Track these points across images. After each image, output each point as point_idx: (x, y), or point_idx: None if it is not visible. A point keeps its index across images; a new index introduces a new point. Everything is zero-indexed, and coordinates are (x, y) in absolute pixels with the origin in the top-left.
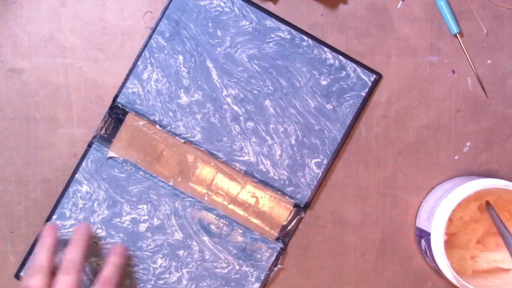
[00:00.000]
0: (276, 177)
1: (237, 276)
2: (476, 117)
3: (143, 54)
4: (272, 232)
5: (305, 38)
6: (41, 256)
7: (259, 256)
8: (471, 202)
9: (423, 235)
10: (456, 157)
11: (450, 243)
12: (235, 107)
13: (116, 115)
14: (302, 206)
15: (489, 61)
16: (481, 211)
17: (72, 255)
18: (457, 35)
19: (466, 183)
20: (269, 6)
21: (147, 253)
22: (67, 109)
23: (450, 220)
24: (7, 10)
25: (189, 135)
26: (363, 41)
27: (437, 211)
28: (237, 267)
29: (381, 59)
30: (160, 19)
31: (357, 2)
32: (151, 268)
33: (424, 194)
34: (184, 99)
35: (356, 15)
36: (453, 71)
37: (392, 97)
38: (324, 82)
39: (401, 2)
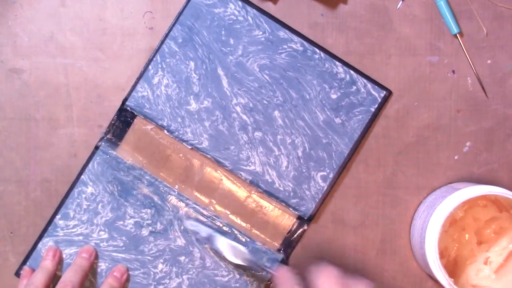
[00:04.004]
0: (281, 188)
1: (237, 285)
2: (476, 117)
3: (154, 59)
4: (274, 243)
5: (317, 51)
6: (37, 276)
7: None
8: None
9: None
10: (456, 157)
11: (459, 264)
12: (244, 116)
13: (125, 118)
14: (305, 218)
15: (489, 61)
16: (465, 212)
17: (70, 277)
18: (457, 35)
19: (442, 202)
20: (269, 6)
21: (149, 257)
22: (67, 109)
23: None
24: (7, 10)
25: (196, 141)
26: (363, 41)
27: (427, 235)
28: (238, 276)
29: (381, 59)
30: (173, 25)
31: (357, 2)
32: (152, 273)
33: (424, 194)
34: (193, 106)
35: (356, 15)
36: (453, 71)
37: (392, 97)
38: (334, 96)
39: (401, 2)
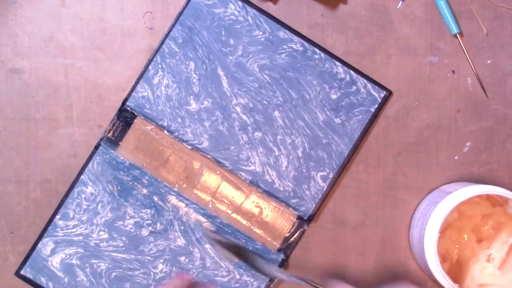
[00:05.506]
0: (281, 189)
1: (237, 285)
2: (476, 117)
3: (154, 59)
4: (274, 243)
5: (317, 51)
6: None
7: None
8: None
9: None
10: (456, 157)
11: (463, 265)
12: (244, 117)
13: (125, 118)
14: (305, 218)
15: (489, 61)
16: (459, 213)
17: None
18: (457, 35)
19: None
20: (269, 7)
21: (149, 257)
22: (67, 109)
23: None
24: (7, 10)
25: (196, 142)
26: (363, 41)
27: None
28: (238, 276)
29: (381, 59)
30: (173, 25)
31: (357, 2)
32: (152, 273)
33: (424, 194)
34: (193, 106)
35: (356, 15)
36: (453, 71)
37: (392, 97)
38: (334, 96)
39: (401, 2)
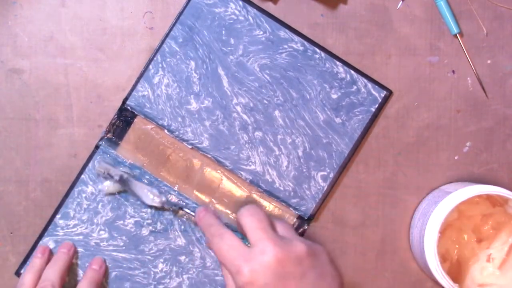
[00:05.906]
0: (282, 188)
1: None
2: (476, 117)
3: (155, 58)
4: None
5: (318, 50)
6: (26, 277)
7: None
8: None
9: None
10: (456, 157)
11: (463, 265)
12: (244, 116)
13: (125, 117)
14: (306, 218)
15: (489, 61)
16: (459, 213)
17: (49, 274)
18: (457, 35)
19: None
20: (269, 6)
21: (149, 257)
22: (67, 109)
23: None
24: (7, 10)
25: (196, 141)
26: (363, 41)
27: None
28: None
29: (381, 59)
30: (174, 24)
31: (357, 2)
32: (152, 272)
33: (424, 194)
34: (193, 105)
35: (356, 15)
36: (453, 71)
37: (392, 97)
38: (334, 96)
39: (401, 2)
